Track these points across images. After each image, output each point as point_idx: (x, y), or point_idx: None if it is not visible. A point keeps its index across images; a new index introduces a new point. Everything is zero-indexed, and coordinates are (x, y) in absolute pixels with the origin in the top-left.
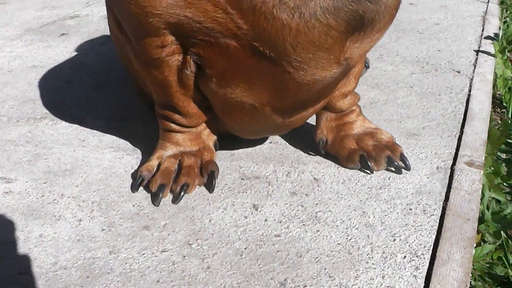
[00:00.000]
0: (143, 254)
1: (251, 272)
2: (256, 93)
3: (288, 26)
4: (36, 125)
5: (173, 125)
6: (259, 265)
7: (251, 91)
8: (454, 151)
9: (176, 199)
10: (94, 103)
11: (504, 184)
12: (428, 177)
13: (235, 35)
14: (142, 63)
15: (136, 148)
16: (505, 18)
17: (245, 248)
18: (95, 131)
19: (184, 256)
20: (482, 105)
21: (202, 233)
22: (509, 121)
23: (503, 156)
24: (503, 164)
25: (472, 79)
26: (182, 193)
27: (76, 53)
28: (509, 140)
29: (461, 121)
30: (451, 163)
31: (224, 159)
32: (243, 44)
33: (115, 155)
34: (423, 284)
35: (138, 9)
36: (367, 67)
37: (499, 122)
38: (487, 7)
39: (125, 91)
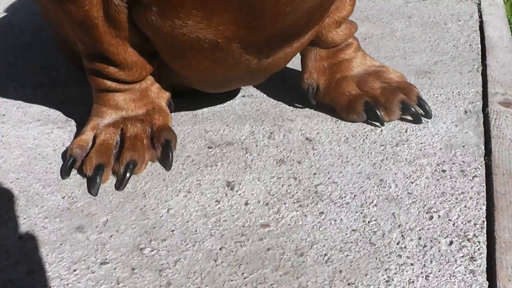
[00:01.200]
0: (75, 270)
1: (232, 286)
2: (217, 23)
3: None
4: None
5: (108, 82)
6: (242, 273)
7: (209, 20)
8: (481, 89)
9: (120, 184)
10: (19, 68)
11: None
12: (456, 125)
13: None
14: None
15: (70, 119)
16: None
17: (220, 249)
18: (19, 101)
19: (134, 269)
20: (500, 32)
21: (157, 231)
22: None
23: None
24: None
25: (480, 4)
26: (128, 175)
27: (5, 13)
28: None
29: (480, 53)
30: (481, 105)
31: (184, 123)
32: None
33: (43, 130)
34: (487, 284)
35: None
36: None
37: None
38: None
39: (58, 52)
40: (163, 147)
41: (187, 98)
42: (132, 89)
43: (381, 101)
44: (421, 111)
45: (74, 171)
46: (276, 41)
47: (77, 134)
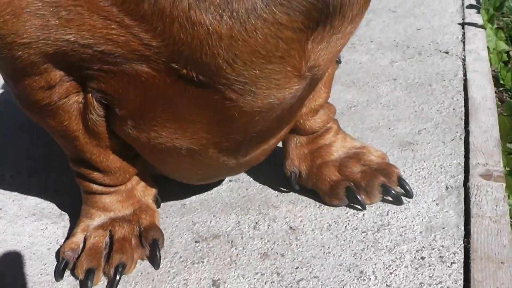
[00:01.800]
0: None
1: None
2: (191, 133)
3: (216, 34)
4: None
5: (94, 186)
6: None
7: (183, 131)
8: (463, 160)
9: (111, 286)
10: (15, 151)
11: None
12: (437, 204)
13: (144, 57)
14: (32, 112)
15: (63, 212)
16: None
17: None
18: (15, 192)
19: None
20: (484, 92)
21: None
22: None
23: None
24: None
25: (464, 59)
26: (118, 277)
27: (2, 90)
28: None
29: (463, 117)
30: (463, 178)
31: (172, 214)
32: (157, 68)
33: (37, 226)
34: None
35: None
36: (338, 62)
37: (499, 103)
38: None
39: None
40: (151, 246)
41: (175, 186)
42: (118, 191)
43: (362, 185)
44: (403, 190)
45: (67, 271)
46: (251, 143)
47: (69, 235)
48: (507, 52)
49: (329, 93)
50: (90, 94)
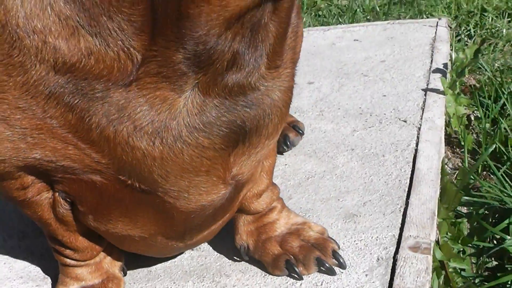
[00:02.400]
0: None
1: None
2: (141, 225)
3: (150, 156)
4: None
5: (67, 260)
6: None
7: (134, 224)
8: (398, 232)
9: None
10: (7, 214)
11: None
12: (366, 275)
13: (96, 170)
14: (12, 203)
15: (47, 276)
16: (458, 37)
17: None
18: (6, 256)
19: None
20: (430, 163)
21: None
22: (467, 169)
23: (464, 210)
24: (465, 220)
25: (419, 128)
26: None
27: None
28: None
29: (406, 189)
30: (394, 250)
31: (139, 280)
32: (108, 178)
33: None
34: None
35: None
36: (301, 133)
37: (460, 165)
38: (435, 32)
39: None
40: None
41: (143, 256)
42: (88, 264)
43: (299, 258)
44: (336, 262)
45: None
46: (192, 232)
47: None
48: (468, 116)
49: (270, 180)
50: (57, 193)
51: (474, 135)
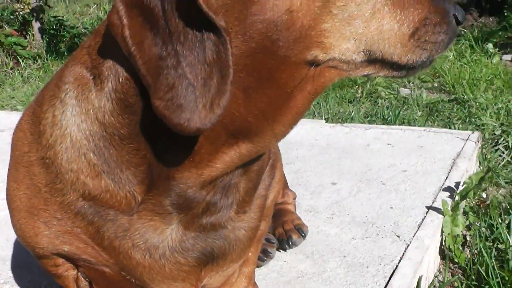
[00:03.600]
0: None
1: None
2: None
3: (142, 265)
4: None
5: None
6: None
7: None
8: None
9: None
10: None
11: None
12: None
13: (106, 265)
14: (48, 274)
15: None
16: (496, 146)
17: None
18: None
19: None
20: (404, 281)
21: None
22: None
23: None
24: None
25: (408, 246)
26: None
27: None
28: None
29: None
30: None
31: None
32: (114, 271)
33: None
34: None
35: (25, 243)
36: (303, 236)
37: (451, 276)
38: (463, 147)
39: None
40: None
41: None
42: None
43: None
44: None
45: None
46: None
47: None
48: (464, 236)
49: (250, 282)
50: (79, 273)
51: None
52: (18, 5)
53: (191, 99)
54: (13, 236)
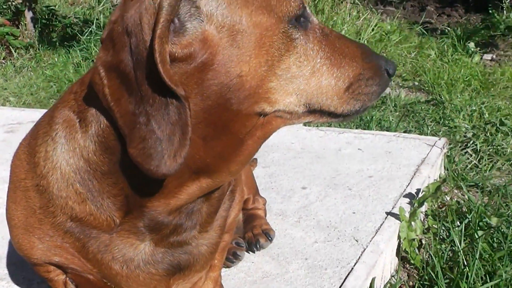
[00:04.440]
0: None
1: None
2: None
3: (120, 274)
4: None
5: None
6: None
7: None
8: None
9: None
10: None
11: None
12: None
13: (90, 273)
14: (41, 277)
15: None
16: (465, 150)
17: None
18: None
19: None
20: (357, 282)
21: None
22: None
23: None
24: None
25: (364, 250)
26: None
27: None
28: None
29: None
30: None
31: None
32: (97, 278)
33: None
34: None
35: (22, 254)
36: (270, 240)
37: (408, 278)
38: (428, 153)
39: None
40: None
41: None
42: None
43: None
44: None
45: None
46: None
47: None
48: (420, 239)
49: (216, 285)
50: (68, 278)
51: (426, 254)
52: None
53: (159, 150)
54: (8, 235)
